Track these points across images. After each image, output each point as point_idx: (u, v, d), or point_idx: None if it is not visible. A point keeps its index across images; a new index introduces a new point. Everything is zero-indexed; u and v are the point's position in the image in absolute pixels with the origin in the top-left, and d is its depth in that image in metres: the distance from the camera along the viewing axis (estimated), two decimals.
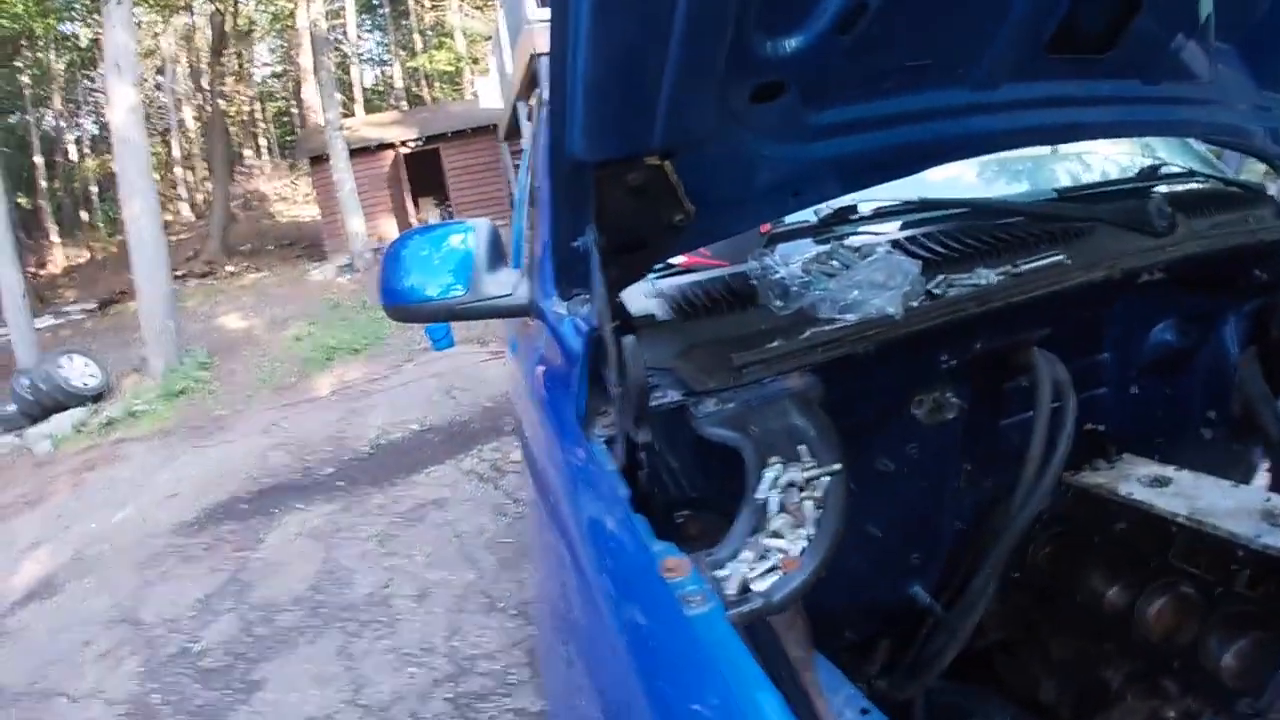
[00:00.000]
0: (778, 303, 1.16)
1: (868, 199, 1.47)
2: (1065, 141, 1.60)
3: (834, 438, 0.99)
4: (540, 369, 1.53)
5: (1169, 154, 2.29)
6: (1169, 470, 1.55)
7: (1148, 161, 2.09)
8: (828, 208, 1.45)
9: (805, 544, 0.81)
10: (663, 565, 0.81)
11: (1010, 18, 1.13)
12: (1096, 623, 1.39)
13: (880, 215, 1.49)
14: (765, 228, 1.40)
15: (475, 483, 4.95)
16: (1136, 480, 1.52)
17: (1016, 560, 1.50)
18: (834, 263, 1.21)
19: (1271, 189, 1.96)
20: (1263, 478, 2.07)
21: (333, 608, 3.80)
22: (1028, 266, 1.31)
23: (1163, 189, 1.86)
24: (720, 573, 0.80)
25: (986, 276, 1.27)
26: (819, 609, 1.41)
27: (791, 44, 1.01)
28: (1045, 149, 2.19)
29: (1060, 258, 1.35)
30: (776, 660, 0.90)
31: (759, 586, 0.78)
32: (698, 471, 1.16)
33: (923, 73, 1.18)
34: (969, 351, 1.33)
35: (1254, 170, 2.22)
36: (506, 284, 1.77)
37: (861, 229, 1.45)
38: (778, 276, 1.16)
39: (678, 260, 1.39)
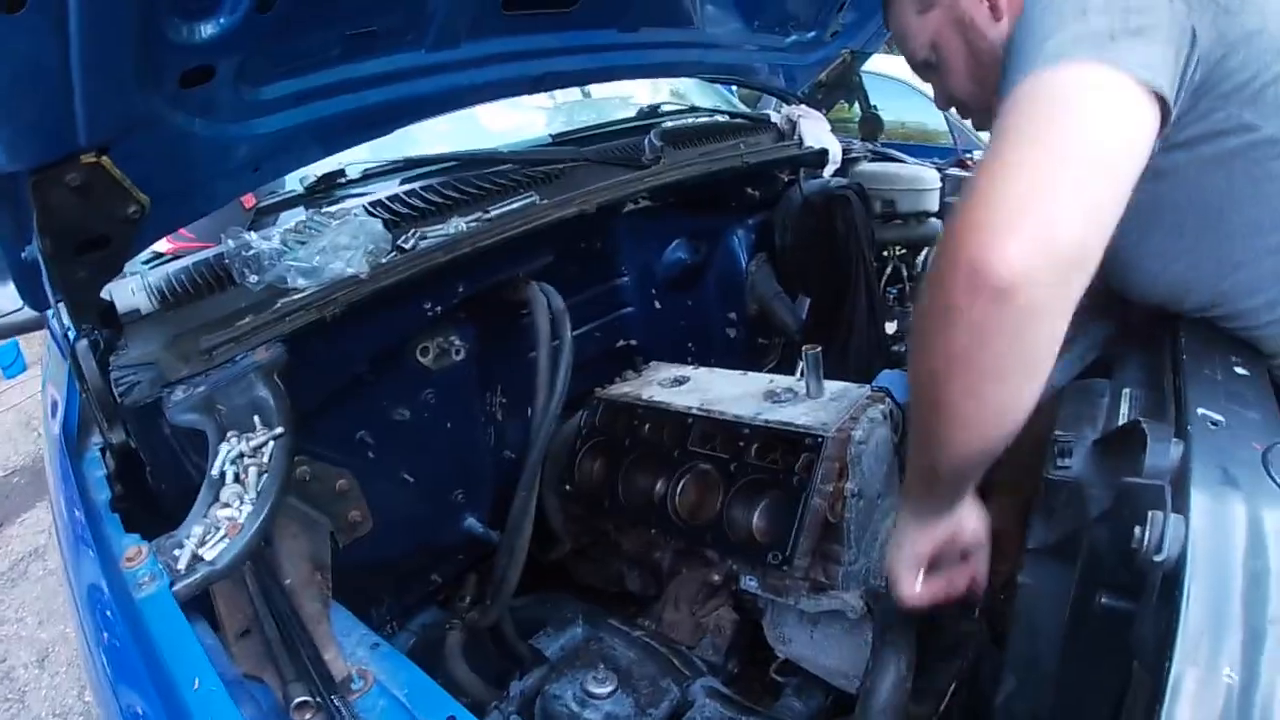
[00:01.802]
0: (252, 278, 1.22)
1: (356, 162, 1.56)
2: (541, 90, 1.80)
3: (284, 403, 1.08)
4: (51, 385, 1.47)
5: (697, 96, 2.66)
6: (688, 370, 1.84)
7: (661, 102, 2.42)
8: (314, 175, 1.53)
9: (250, 508, 0.91)
10: (124, 557, 0.87)
11: None
12: (645, 514, 1.63)
13: (369, 177, 1.59)
14: (250, 201, 1.44)
15: None
16: (658, 384, 1.79)
17: (566, 475, 1.71)
18: (310, 230, 1.29)
19: (775, 117, 2.34)
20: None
21: None
22: (498, 211, 1.48)
23: (666, 125, 2.17)
24: (177, 551, 0.87)
25: (458, 225, 1.42)
26: (386, 559, 1.53)
27: (209, 29, 1.05)
28: (576, 94, 2.44)
29: (533, 199, 1.54)
30: (289, 619, 0.99)
31: (209, 555, 0.86)
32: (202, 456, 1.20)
33: (371, 40, 1.26)
34: (454, 296, 1.46)
35: None
36: (14, 296, 1.64)
37: (354, 192, 1.55)
38: (251, 252, 1.22)
39: (164, 247, 1.39)
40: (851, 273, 2.08)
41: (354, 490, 1.39)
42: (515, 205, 1.52)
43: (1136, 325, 1.24)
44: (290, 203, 1.53)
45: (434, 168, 1.66)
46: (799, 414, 1.52)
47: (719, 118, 2.32)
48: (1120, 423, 1.04)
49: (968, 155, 2.63)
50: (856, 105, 2.51)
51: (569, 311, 1.53)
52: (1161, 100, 0.83)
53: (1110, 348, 1.29)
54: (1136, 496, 0.83)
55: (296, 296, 1.22)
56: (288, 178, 1.58)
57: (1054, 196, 0.76)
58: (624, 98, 2.67)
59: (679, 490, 1.57)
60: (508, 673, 1.52)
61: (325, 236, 1.25)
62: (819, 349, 1.55)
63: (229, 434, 1.02)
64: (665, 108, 2.29)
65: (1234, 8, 0.93)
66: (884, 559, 1.38)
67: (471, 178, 1.60)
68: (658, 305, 2.04)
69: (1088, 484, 1.03)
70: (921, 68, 1.31)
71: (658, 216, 1.90)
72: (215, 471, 0.97)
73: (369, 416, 1.45)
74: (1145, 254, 1.10)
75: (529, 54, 1.49)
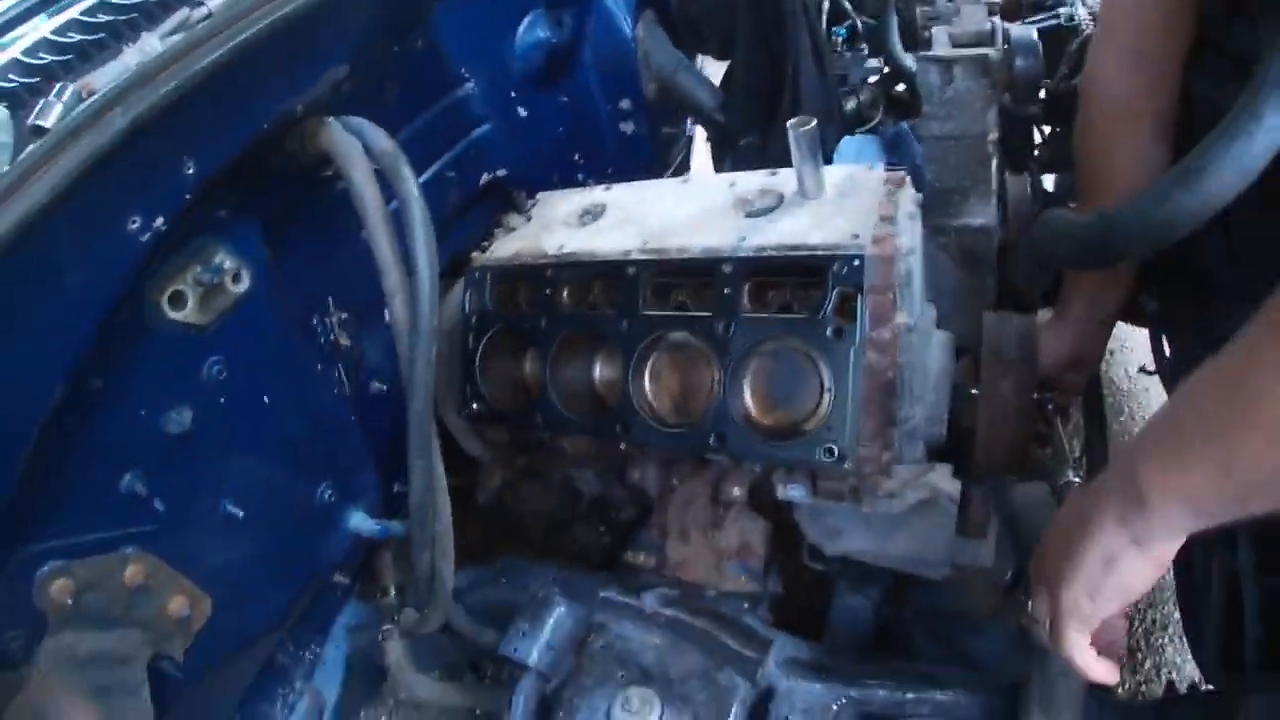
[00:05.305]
0: None
1: None
2: None
3: None
4: None
5: None
6: (598, 194, 1.34)
7: None
8: None
9: None
10: None
11: None
12: (601, 423, 1.15)
13: None
14: None
15: None
16: (562, 224, 1.28)
17: (467, 389, 1.21)
18: None
19: None
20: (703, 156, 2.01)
21: None
22: None
23: None
24: None
25: (149, 44, 0.75)
26: (251, 633, 1.01)
27: None
28: None
29: None
30: None
31: None
32: None
33: None
34: (191, 181, 0.79)
35: None
36: None
37: None
38: None
39: None
40: (786, 10, 1.52)
41: (157, 571, 0.84)
42: None
43: None
44: None
45: None
46: (805, 226, 1.06)
47: None
48: None
49: None
50: None
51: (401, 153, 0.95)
52: None
53: None
54: None
55: None
56: None
57: None
58: None
59: (647, 379, 1.11)
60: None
61: None
62: (813, 122, 1.03)
63: None
64: None
65: None
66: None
67: None
68: (523, 112, 1.44)
69: None
70: None
71: None
72: None
73: (126, 447, 0.83)
74: None
75: None
